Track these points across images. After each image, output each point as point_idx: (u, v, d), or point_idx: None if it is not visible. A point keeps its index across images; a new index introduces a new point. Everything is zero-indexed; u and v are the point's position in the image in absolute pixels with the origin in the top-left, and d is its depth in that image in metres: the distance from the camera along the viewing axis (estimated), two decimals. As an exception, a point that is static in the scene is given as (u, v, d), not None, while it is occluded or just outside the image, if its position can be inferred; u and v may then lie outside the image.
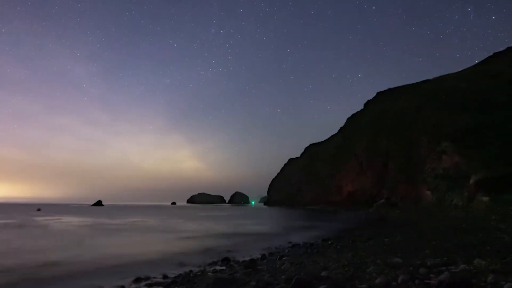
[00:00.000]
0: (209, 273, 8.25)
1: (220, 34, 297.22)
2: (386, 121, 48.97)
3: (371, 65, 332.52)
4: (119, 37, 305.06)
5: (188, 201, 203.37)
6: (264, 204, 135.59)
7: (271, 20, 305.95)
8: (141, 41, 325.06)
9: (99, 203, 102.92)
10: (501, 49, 51.60)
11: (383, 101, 55.20)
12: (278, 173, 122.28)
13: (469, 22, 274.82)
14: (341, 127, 76.86)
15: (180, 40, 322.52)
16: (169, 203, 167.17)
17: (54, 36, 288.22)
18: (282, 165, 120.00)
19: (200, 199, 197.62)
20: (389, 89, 58.73)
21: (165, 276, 8.07)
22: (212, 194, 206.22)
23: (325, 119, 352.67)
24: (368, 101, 65.46)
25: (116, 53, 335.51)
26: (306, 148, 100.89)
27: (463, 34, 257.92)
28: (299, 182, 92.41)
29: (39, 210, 58.78)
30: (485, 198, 21.03)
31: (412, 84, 52.46)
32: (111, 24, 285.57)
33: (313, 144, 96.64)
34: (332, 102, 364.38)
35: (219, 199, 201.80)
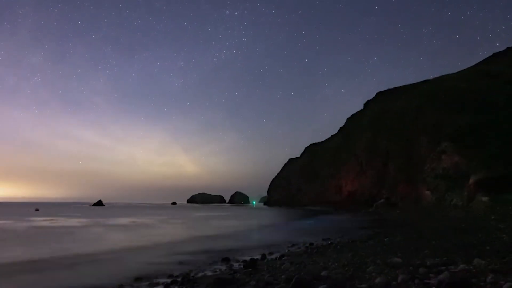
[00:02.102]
0: (209, 273, 8.27)
1: (234, 15, 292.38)
2: (386, 121, 48.98)
3: (388, 47, 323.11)
4: (133, 19, 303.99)
5: (189, 201, 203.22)
6: (264, 204, 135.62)
7: (286, 1, 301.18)
8: (155, 23, 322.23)
9: (99, 203, 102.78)
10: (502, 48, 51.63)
11: (383, 101, 55.23)
12: (278, 173, 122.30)
13: (492, 3, 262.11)
14: (341, 127, 76.95)
15: (194, 22, 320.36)
16: (170, 203, 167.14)
17: (69, 19, 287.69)
18: (282, 165, 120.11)
19: (201, 199, 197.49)
20: (389, 89, 58.78)
21: (165, 276, 8.09)
22: (212, 194, 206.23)
23: (339, 103, 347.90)
24: (368, 101, 65.48)
25: (130, 35, 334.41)
26: (306, 148, 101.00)
27: (485, 16, 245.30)
28: (299, 182, 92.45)
29: (37, 210, 58.53)
30: (485, 198, 21.05)
31: (412, 84, 52.52)
32: (126, 6, 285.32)
33: (313, 144, 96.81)
34: (347, 86, 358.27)
35: (219, 199, 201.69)
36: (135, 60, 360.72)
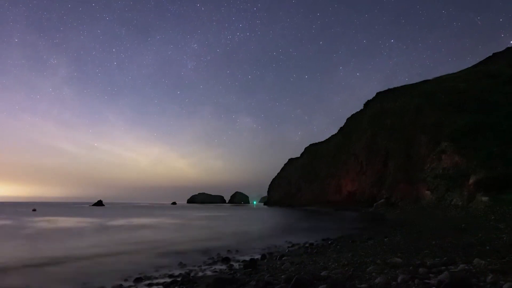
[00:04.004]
0: (209, 273, 8.27)
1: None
2: (386, 121, 48.98)
3: (405, 30, 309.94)
4: (146, 0, 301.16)
5: (189, 201, 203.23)
6: (264, 204, 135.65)
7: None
8: (169, 5, 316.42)
9: (99, 203, 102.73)
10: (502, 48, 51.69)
11: (383, 101, 55.21)
12: (278, 173, 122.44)
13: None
14: (341, 127, 76.98)
15: (208, 4, 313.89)
16: (170, 203, 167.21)
17: (83, 0, 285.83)
18: (282, 165, 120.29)
19: (201, 199, 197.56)
20: (389, 89, 58.84)
21: (165, 276, 8.09)
22: (212, 194, 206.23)
23: (354, 87, 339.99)
24: (368, 101, 65.52)
25: (144, 17, 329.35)
26: (306, 148, 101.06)
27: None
28: (299, 182, 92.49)
29: (34, 210, 58.43)
30: (485, 198, 21.03)
31: (412, 84, 52.55)
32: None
33: (313, 144, 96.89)
34: (362, 69, 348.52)
35: (220, 199, 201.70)
36: (148, 42, 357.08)
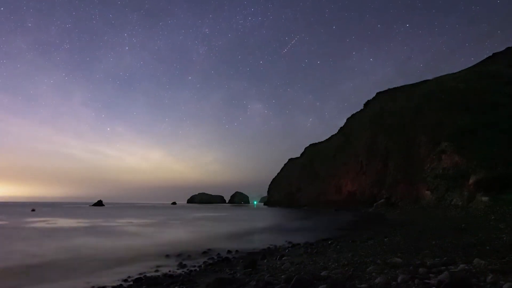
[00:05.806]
0: (209, 273, 8.27)
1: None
2: (386, 121, 49.02)
3: (421, 14, 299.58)
4: None
5: (188, 201, 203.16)
6: (264, 204, 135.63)
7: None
8: None
9: (99, 203, 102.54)
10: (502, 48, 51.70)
11: (383, 101, 55.27)
12: (278, 173, 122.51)
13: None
14: (341, 127, 77.07)
15: None
16: (169, 203, 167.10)
17: None
18: (282, 165, 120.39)
19: (200, 199, 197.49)
20: (389, 89, 58.89)
21: (165, 276, 8.09)
22: (212, 194, 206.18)
23: (367, 73, 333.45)
24: (368, 101, 65.59)
25: (155, 2, 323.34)
26: (306, 148, 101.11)
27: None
28: (299, 182, 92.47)
29: (33, 210, 58.33)
30: (485, 198, 21.06)
31: (412, 84, 52.64)
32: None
33: (312, 144, 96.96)
34: (376, 55, 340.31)
35: (219, 199, 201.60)
36: (159, 27, 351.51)
